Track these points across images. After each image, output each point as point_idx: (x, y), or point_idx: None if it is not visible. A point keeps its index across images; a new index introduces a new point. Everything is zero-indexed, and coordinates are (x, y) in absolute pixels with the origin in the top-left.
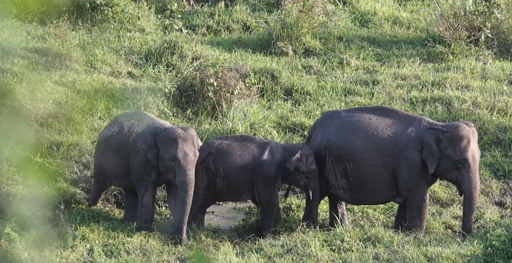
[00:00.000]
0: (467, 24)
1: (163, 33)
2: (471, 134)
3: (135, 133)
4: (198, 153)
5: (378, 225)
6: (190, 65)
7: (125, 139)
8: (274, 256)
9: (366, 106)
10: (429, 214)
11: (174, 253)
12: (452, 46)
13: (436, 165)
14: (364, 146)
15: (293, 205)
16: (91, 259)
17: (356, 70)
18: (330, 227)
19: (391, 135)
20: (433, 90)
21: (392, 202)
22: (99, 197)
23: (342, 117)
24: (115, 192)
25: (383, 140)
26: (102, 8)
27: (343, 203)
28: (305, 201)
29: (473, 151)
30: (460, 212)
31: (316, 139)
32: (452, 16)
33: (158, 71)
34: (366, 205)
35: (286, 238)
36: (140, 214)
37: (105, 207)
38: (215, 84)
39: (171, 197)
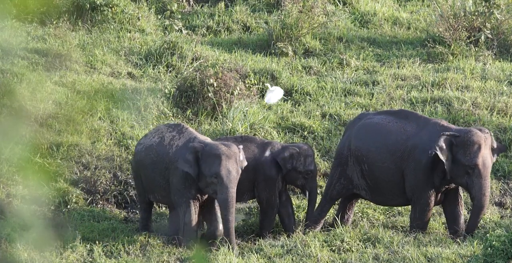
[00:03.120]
0: (467, 25)
1: (163, 34)
2: (482, 139)
3: (175, 146)
4: (240, 171)
5: (378, 225)
6: (190, 66)
7: (165, 151)
8: (274, 256)
9: (392, 109)
10: None
11: (174, 254)
12: (452, 47)
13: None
14: (377, 148)
15: (293, 206)
16: (91, 259)
17: (356, 71)
18: (330, 228)
19: (403, 138)
20: (433, 91)
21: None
22: (149, 218)
23: (366, 119)
24: (115, 192)
25: (395, 142)
26: (102, 8)
27: (353, 207)
28: (305, 202)
29: (484, 157)
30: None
31: (342, 140)
32: (452, 17)
33: (158, 72)
34: (389, 206)
35: (286, 238)
36: (184, 233)
37: (105, 207)
38: (215, 85)
39: (207, 211)
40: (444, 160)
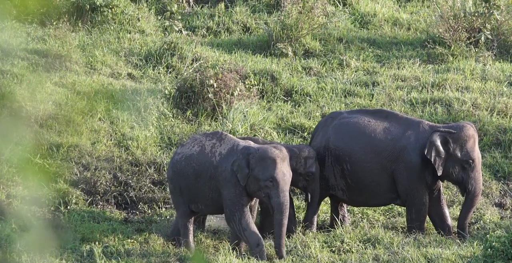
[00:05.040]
0: (467, 26)
1: (163, 35)
2: (476, 133)
3: (218, 154)
4: (291, 173)
5: (378, 226)
6: (190, 67)
7: (208, 160)
8: (274, 257)
9: (367, 108)
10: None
11: (174, 254)
12: (452, 48)
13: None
14: (361, 148)
15: (293, 206)
16: (91, 260)
17: (356, 72)
18: (330, 229)
19: (389, 138)
20: (433, 92)
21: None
22: (191, 232)
23: (342, 118)
24: (115, 193)
25: (380, 142)
26: (102, 9)
27: (344, 205)
28: (304, 202)
29: (478, 151)
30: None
31: (317, 140)
32: (452, 18)
33: (158, 73)
34: (366, 207)
35: (286, 239)
36: (248, 239)
37: (105, 208)
38: (215, 85)
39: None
40: (435, 157)
